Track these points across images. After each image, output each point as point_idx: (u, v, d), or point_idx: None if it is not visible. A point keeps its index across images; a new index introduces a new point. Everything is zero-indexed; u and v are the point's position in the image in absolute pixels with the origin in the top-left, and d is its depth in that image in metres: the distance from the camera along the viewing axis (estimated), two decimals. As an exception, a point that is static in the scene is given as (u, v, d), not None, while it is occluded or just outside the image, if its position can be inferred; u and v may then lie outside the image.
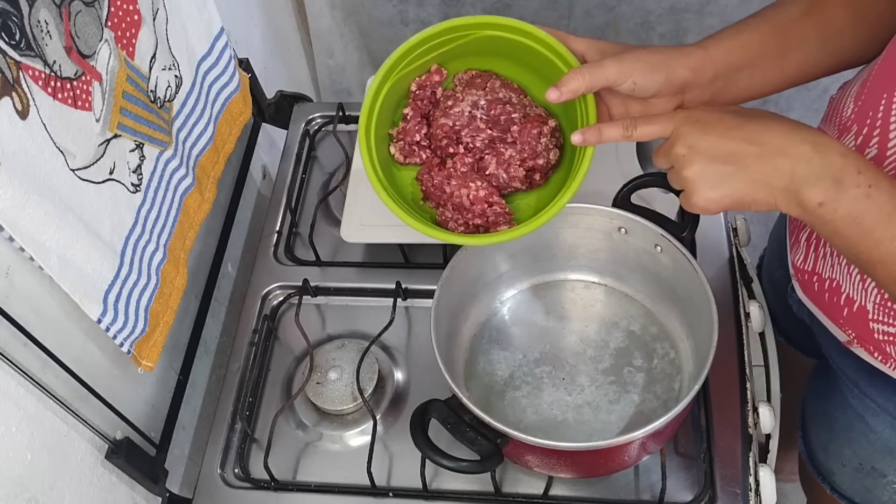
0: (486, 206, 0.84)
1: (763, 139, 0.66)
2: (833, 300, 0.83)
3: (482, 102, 0.85)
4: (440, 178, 0.85)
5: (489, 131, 0.85)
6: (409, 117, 0.87)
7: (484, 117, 0.85)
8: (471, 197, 0.84)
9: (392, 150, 0.88)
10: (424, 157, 0.87)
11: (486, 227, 0.84)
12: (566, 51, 0.78)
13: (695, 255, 0.87)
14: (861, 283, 0.78)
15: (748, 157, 0.66)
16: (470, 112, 0.85)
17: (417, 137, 0.86)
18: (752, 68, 0.76)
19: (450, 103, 0.86)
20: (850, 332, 0.82)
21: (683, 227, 0.89)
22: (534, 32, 0.80)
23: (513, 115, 0.85)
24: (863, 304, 0.79)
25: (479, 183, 0.84)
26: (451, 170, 0.85)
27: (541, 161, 0.85)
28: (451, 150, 0.86)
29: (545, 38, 0.79)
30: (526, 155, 0.85)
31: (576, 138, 0.75)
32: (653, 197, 0.96)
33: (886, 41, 0.71)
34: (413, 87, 0.86)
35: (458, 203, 0.84)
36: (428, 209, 0.88)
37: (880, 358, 0.80)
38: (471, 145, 0.86)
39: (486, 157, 0.85)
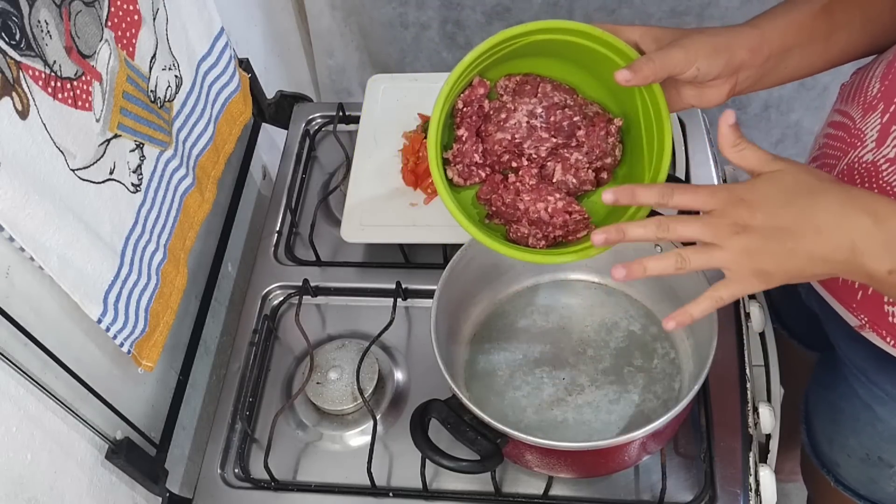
0: (566, 216, 0.80)
1: (817, 215, 0.64)
2: (846, 283, 0.83)
3: (539, 110, 0.80)
4: (511, 196, 0.81)
5: (553, 139, 0.81)
6: (464, 138, 0.81)
7: (544, 125, 0.80)
8: (550, 210, 0.80)
9: (449, 174, 0.82)
10: (483, 175, 0.82)
11: (565, 237, 0.81)
12: (622, 43, 0.74)
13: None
14: None
15: (804, 233, 0.64)
16: (528, 122, 0.80)
17: (476, 158, 0.81)
18: (801, 48, 0.77)
19: (503, 116, 0.81)
20: (862, 316, 0.82)
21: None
22: (585, 30, 0.75)
23: (574, 119, 0.80)
24: None
25: (556, 195, 0.80)
26: (519, 184, 0.81)
27: (609, 160, 0.81)
28: (513, 164, 0.82)
29: (597, 33, 0.75)
30: (595, 157, 0.81)
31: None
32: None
33: None
34: (459, 105, 0.80)
35: (535, 218, 0.80)
36: (495, 226, 0.83)
37: (893, 343, 0.80)
38: (534, 156, 0.81)
39: (549, 164, 0.81)
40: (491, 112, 0.81)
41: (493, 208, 0.82)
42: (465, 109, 0.80)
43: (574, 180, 0.81)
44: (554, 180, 0.81)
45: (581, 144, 0.81)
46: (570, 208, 0.80)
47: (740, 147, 0.67)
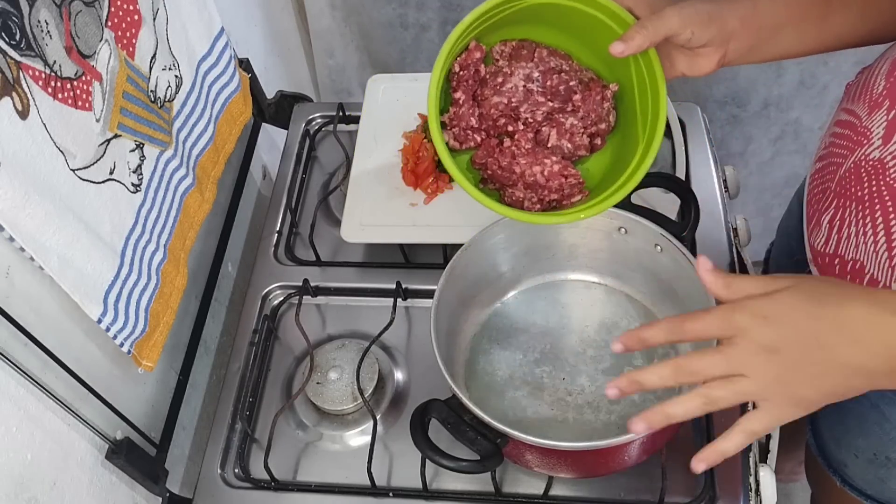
0: (562, 179, 0.81)
1: (849, 325, 0.59)
2: (855, 282, 0.83)
3: (535, 74, 0.80)
4: (507, 160, 0.81)
5: (550, 103, 0.81)
6: (461, 101, 0.82)
7: (540, 89, 0.80)
8: (546, 173, 0.80)
9: (445, 137, 0.82)
10: (479, 139, 0.83)
11: (559, 201, 0.82)
12: (619, 7, 0.74)
13: (695, 255, 0.86)
14: (888, 263, 0.77)
15: (838, 346, 0.59)
16: (525, 86, 0.80)
17: (473, 121, 0.82)
18: (794, 26, 0.77)
19: (500, 80, 0.81)
20: None
21: (683, 227, 0.89)
22: None
23: (570, 84, 0.80)
24: (887, 284, 0.78)
25: (552, 158, 0.80)
26: (514, 148, 0.81)
27: (603, 126, 0.82)
28: (509, 128, 0.82)
29: None
30: (590, 121, 0.81)
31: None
32: (653, 197, 0.96)
33: None
34: (456, 69, 0.81)
35: (531, 182, 0.81)
36: (489, 191, 0.84)
37: None
38: (530, 120, 0.81)
39: (544, 129, 0.82)
40: (487, 76, 0.82)
41: (489, 172, 0.83)
42: (461, 73, 0.81)
43: (569, 145, 0.82)
44: (549, 145, 0.82)
45: (576, 109, 0.81)
46: (565, 172, 0.81)
47: (731, 282, 0.62)
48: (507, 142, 0.82)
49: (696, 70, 0.77)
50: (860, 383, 0.61)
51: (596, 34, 0.77)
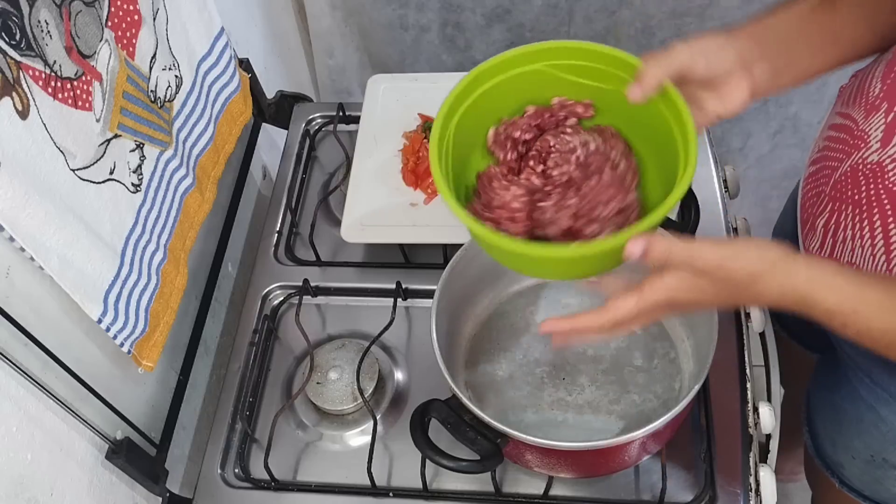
0: (511, 212, 0.76)
1: (757, 301, 0.69)
2: None
3: (592, 146, 0.77)
4: (500, 187, 0.77)
5: (571, 168, 0.76)
6: (527, 114, 0.79)
7: (580, 158, 0.77)
8: (506, 202, 0.76)
9: (490, 132, 0.80)
10: (507, 157, 0.80)
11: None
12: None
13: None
14: (885, 267, 0.77)
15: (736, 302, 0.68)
16: (573, 147, 0.77)
17: (518, 133, 0.79)
18: (807, 42, 0.77)
19: (568, 131, 0.79)
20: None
21: (684, 227, 0.89)
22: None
23: (603, 172, 0.75)
24: None
25: (516, 191, 0.76)
26: (513, 177, 0.78)
27: (589, 231, 0.75)
28: (531, 163, 0.79)
29: (682, 112, 0.71)
30: (582, 213, 0.75)
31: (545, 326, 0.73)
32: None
33: None
34: (554, 101, 0.79)
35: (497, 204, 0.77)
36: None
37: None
38: (550, 171, 0.78)
39: (543, 205, 0.76)
40: (565, 126, 0.79)
41: (480, 185, 0.80)
42: (554, 105, 0.79)
43: (550, 217, 0.77)
44: (538, 206, 0.78)
45: (583, 193, 0.76)
46: (520, 204, 0.77)
47: (654, 254, 0.67)
48: (520, 177, 0.79)
49: (730, 104, 0.75)
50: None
51: (670, 158, 0.74)
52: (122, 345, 0.82)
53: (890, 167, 0.74)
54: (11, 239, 0.66)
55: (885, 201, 0.75)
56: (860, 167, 0.78)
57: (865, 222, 0.77)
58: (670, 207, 0.67)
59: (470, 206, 0.77)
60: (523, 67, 0.77)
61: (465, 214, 0.71)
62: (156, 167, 0.88)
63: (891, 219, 0.74)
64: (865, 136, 0.78)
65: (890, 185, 0.74)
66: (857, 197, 0.78)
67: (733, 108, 0.75)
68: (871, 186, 0.76)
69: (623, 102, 0.74)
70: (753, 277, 0.66)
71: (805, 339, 1.13)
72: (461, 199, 0.77)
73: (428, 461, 0.85)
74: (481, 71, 0.75)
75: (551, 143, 0.78)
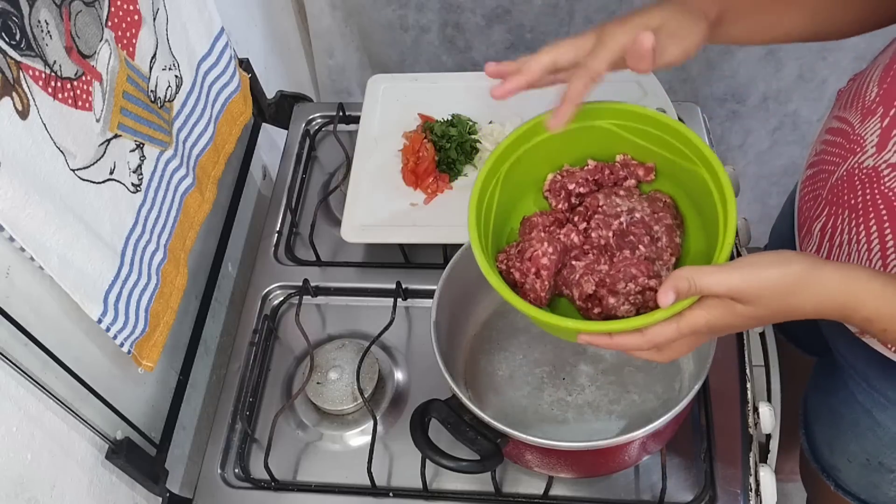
0: (539, 267, 0.76)
1: (793, 315, 0.67)
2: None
3: (637, 215, 0.77)
4: (537, 239, 0.77)
5: (609, 235, 0.76)
6: (587, 167, 0.80)
7: (622, 225, 0.76)
8: (536, 256, 0.76)
9: (549, 178, 0.81)
10: (557, 206, 0.80)
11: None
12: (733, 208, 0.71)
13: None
14: (883, 271, 0.77)
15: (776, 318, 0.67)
16: (620, 212, 0.77)
17: (573, 186, 0.79)
18: (750, 20, 0.77)
19: (621, 193, 0.79)
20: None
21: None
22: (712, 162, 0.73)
23: (639, 245, 0.75)
24: None
25: (549, 248, 0.76)
26: (553, 233, 0.78)
27: (606, 302, 0.74)
28: (576, 218, 0.79)
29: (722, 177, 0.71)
30: (606, 282, 0.74)
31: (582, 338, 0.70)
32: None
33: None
34: (618, 158, 0.80)
35: (526, 257, 0.77)
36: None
37: (894, 348, 0.80)
38: (590, 231, 0.77)
39: (575, 264, 0.77)
40: (620, 187, 0.80)
41: (521, 232, 0.80)
42: (619, 163, 0.80)
43: (575, 282, 0.78)
44: (563, 270, 0.78)
45: (610, 262, 0.76)
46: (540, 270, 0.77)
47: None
48: (561, 230, 0.79)
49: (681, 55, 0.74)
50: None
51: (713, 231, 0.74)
52: (122, 345, 0.82)
53: (885, 172, 0.74)
54: (11, 239, 0.66)
55: (881, 206, 0.75)
56: (856, 171, 0.78)
57: (861, 227, 0.77)
58: (691, 303, 0.67)
59: (507, 251, 0.79)
60: (589, 122, 0.77)
61: (490, 271, 0.73)
62: (156, 167, 0.88)
63: (886, 223, 0.74)
64: (861, 141, 0.78)
65: (885, 190, 0.74)
66: (853, 201, 0.78)
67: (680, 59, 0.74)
68: (867, 191, 0.76)
69: (681, 174, 0.75)
70: (785, 294, 0.64)
71: (802, 342, 1.13)
72: (499, 241, 0.80)
73: (428, 461, 0.85)
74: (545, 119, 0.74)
75: (600, 203, 0.78)
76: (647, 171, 0.80)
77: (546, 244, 0.76)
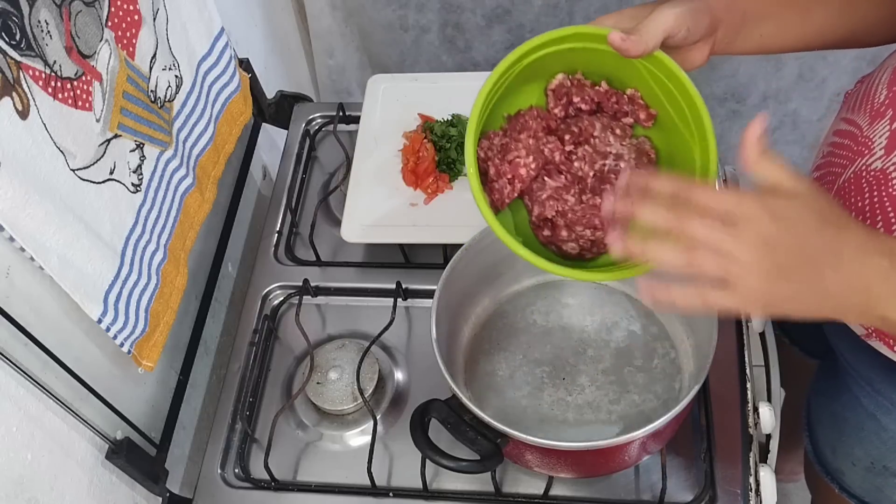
0: (515, 175, 0.76)
1: (843, 250, 0.60)
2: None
3: (622, 164, 0.76)
4: (524, 146, 0.76)
5: (590, 172, 0.76)
6: (602, 88, 0.77)
7: (605, 167, 0.76)
8: (516, 164, 0.75)
9: (559, 77, 0.77)
10: (553, 110, 0.78)
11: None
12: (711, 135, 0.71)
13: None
14: None
15: (825, 267, 0.59)
16: (608, 153, 0.76)
17: (577, 99, 0.77)
18: (776, 17, 0.76)
19: (618, 132, 0.77)
20: (869, 325, 0.82)
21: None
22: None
23: (607, 182, 0.75)
24: None
25: (530, 161, 0.75)
26: (540, 141, 0.77)
27: (559, 232, 0.74)
28: (566, 136, 0.77)
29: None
30: (567, 215, 0.75)
31: (645, 298, 0.67)
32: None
33: None
34: (629, 91, 0.78)
35: (507, 167, 0.76)
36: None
37: None
38: (574, 159, 0.77)
39: (546, 181, 0.77)
40: (616, 112, 0.78)
41: (488, 147, 0.78)
42: (623, 102, 0.77)
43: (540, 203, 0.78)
44: (534, 193, 0.78)
45: (577, 199, 0.76)
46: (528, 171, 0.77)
47: (766, 157, 0.62)
48: (546, 149, 0.78)
49: (690, 64, 0.75)
50: (829, 312, 0.61)
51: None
52: (122, 345, 0.82)
53: (893, 174, 0.74)
54: (11, 239, 0.66)
55: (889, 208, 0.75)
56: (864, 174, 0.78)
57: None
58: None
59: (490, 138, 0.76)
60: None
61: (484, 204, 0.72)
62: (156, 167, 0.88)
63: (894, 225, 0.74)
64: (869, 143, 0.77)
65: (893, 192, 0.74)
66: (860, 204, 0.78)
67: (693, 67, 0.75)
68: (875, 193, 0.76)
69: (675, 139, 0.75)
70: (843, 213, 0.60)
71: (805, 344, 1.13)
72: (491, 122, 0.77)
73: (428, 461, 0.85)
74: (579, 32, 0.72)
75: (594, 133, 0.77)
76: (648, 116, 0.78)
77: (531, 157, 0.75)
